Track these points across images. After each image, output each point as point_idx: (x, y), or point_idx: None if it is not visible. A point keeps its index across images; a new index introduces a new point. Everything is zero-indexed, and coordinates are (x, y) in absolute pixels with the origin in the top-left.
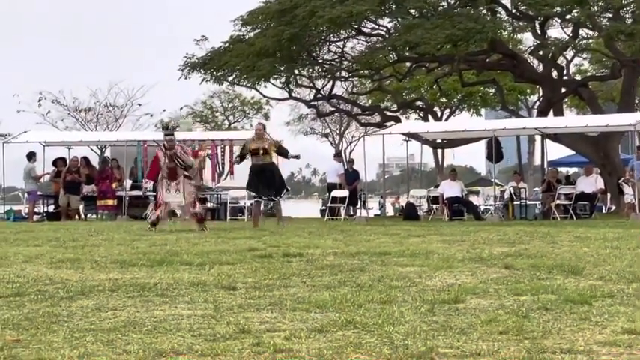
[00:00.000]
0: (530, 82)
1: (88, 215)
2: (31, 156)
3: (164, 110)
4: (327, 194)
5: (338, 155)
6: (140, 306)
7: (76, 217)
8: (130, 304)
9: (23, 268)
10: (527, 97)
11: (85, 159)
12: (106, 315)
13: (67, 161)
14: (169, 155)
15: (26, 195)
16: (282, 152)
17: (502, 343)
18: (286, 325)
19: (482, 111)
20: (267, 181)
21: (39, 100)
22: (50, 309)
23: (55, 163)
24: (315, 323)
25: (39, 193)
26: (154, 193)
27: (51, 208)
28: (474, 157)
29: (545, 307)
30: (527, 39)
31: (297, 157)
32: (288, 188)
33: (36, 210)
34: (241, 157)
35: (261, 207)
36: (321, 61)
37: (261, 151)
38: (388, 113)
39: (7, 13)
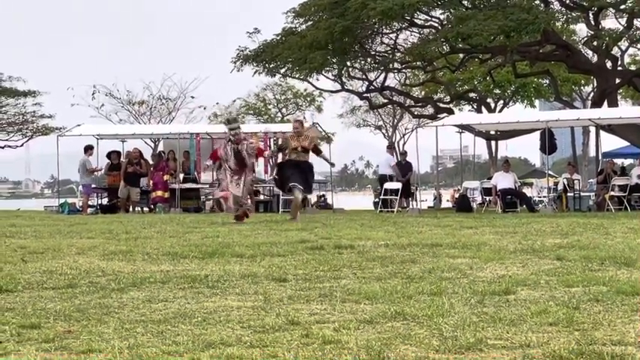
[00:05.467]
0: (584, 73)
1: (142, 208)
2: (87, 148)
3: (217, 103)
4: (380, 186)
5: (391, 147)
6: (190, 298)
7: (136, 209)
8: (181, 295)
9: (76, 260)
10: (582, 88)
11: (139, 152)
12: (156, 306)
13: (121, 154)
14: (235, 149)
15: (80, 188)
16: (317, 151)
17: (552, 334)
18: (335, 317)
19: (536, 102)
20: (302, 175)
21: (93, 94)
22: (101, 300)
23: (109, 155)
24: (364, 315)
25: (93, 185)
26: (209, 182)
27: (104, 201)
28: (527, 148)
29: (597, 299)
30: (581, 29)
31: (331, 164)
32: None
33: (90, 202)
34: (279, 150)
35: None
36: (373, 53)
37: (300, 149)
38: (441, 105)
39: (61, 9)
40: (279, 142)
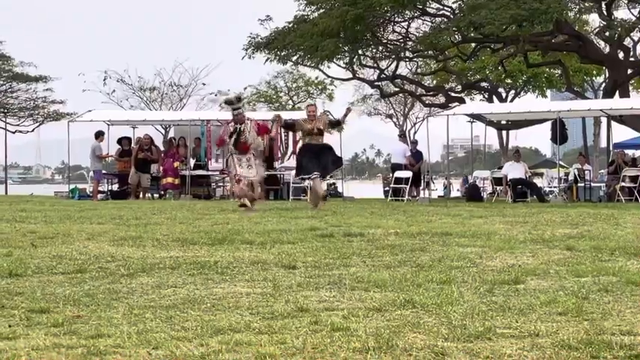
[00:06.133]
0: (596, 64)
1: (153, 194)
2: (98, 134)
3: (228, 90)
4: (391, 175)
5: (402, 136)
6: (200, 284)
7: (147, 195)
8: (190, 281)
9: (85, 246)
10: (593, 78)
11: (150, 138)
12: (165, 292)
13: (132, 140)
14: (241, 130)
15: (91, 173)
16: (335, 124)
17: (561, 324)
18: (344, 304)
19: (548, 92)
20: (323, 160)
21: (104, 80)
22: (111, 286)
23: (119, 141)
24: (373, 302)
25: (103, 171)
26: (219, 169)
27: (115, 187)
28: (538, 138)
29: (606, 289)
30: (594, 20)
31: (348, 110)
32: (341, 165)
33: (100, 188)
34: (287, 127)
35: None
36: (385, 41)
37: (316, 131)
38: (452, 94)
39: None
40: (289, 120)
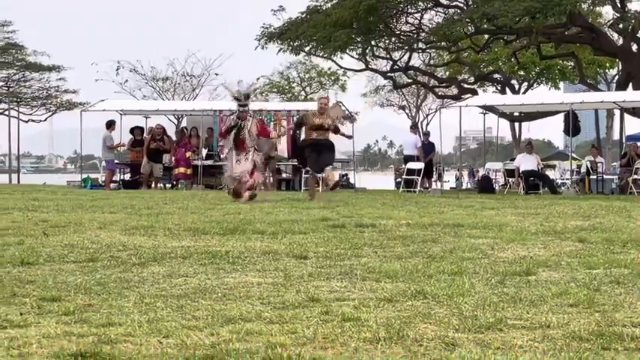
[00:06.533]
0: (609, 56)
1: (165, 184)
2: (110, 124)
3: (241, 80)
4: (403, 166)
5: (414, 127)
6: (211, 273)
7: (159, 185)
8: (201, 271)
9: (97, 235)
10: (607, 70)
11: (163, 128)
12: (176, 281)
13: (144, 130)
14: (241, 125)
15: (103, 163)
16: (336, 131)
17: (572, 315)
18: (355, 295)
19: (561, 84)
20: (324, 158)
21: (117, 69)
22: (122, 275)
23: (132, 131)
24: (384, 293)
25: (116, 161)
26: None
27: (127, 177)
28: (550, 130)
29: (618, 281)
30: (607, 12)
31: (349, 137)
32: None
33: (112, 178)
34: (298, 127)
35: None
36: (398, 32)
37: (326, 126)
38: (465, 86)
39: None
40: (298, 118)
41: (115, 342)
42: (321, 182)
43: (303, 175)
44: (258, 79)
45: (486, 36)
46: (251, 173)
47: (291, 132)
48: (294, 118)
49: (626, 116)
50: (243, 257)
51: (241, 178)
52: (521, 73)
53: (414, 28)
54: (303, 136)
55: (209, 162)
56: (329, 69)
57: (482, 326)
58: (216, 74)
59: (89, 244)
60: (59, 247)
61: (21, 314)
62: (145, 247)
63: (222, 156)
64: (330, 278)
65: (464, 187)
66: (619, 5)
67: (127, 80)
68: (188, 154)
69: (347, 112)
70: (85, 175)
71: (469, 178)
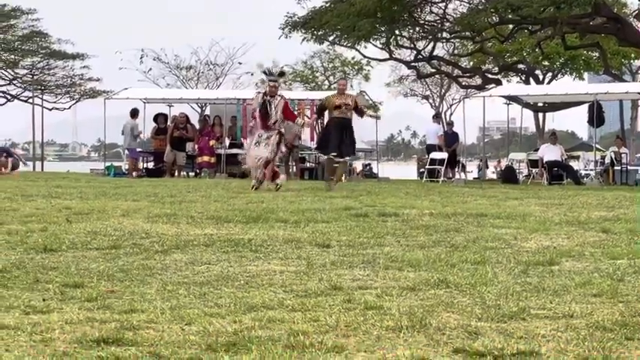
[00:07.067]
0: (634, 47)
1: (188, 172)
2: (134, 112)
3: (264, 71)
4: (426, 156)
5: (437, 116)
6: (233, 261)
7: (182, 173)
8: (224, 259)
9: (120, 222)
10: (631, 61)
11: (186, 116)
12: (199, 269)
13: (168, 118)
14: (268, 102)
15: (126, 151)
16: (361, 112)
17: (595, 305)
18: (378, 283)
19: (585, 75)
20: (344, 139)
21: (141, 58)
22: (144, 262)
23: (155, 119)
24: (407, 282)
25: (139, 149)
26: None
27: (150, 165)
28: (575, 121)
29: None
30: (632, 2)
31: (377, 117)
32: (355, 153)
33: (136, 166)
34: (320, 112)
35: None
36: (422, 22)
37: (344, 107)
38: (489, 76)
39: None
40: (320, 105)
41: (137, 328)
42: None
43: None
44: (282, 67)
45: (511, 26)
46: (265, 165)
47: (315, 120)
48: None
49: None
50: (266, 245)
51: (256, 164)
52: (546, 63)
53: (438, 17)
54: (326, 119)
55: (232, 150)
56: (353, 58)
57: (505, 315)
58: (240, 63)
59: (112, 231)
60: (82, 234)
61: (44, 300)
62: (168, 234)
63: (246, 144)
64: (353, 267)
65: (487, 177)
66: None
67: (150, 69)
68: (212, 142)
69: (370, 102)
70: (108, 163)
71: (483, 168)
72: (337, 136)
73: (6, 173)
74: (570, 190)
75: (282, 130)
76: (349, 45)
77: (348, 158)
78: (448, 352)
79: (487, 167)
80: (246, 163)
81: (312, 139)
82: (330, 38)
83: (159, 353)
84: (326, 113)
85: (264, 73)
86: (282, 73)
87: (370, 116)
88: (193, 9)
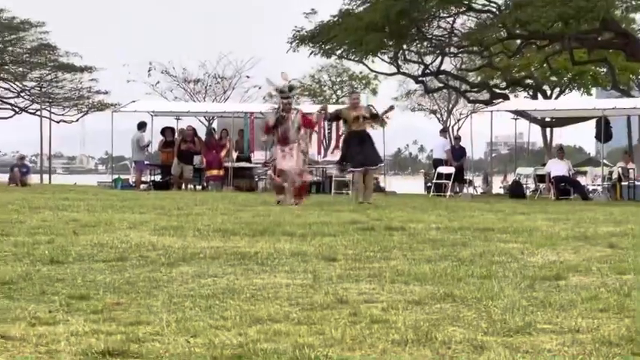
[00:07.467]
0: None
1: (195, 185)
2: (141, 125)
3: (284, 72)
4: (433, 170)
5: (444, 131)
6: (240, 274)
7: (189, 186)
8: (230, 272)
9: (127, 235)
10: None
11: (193, 129)
12: (205, 282)
13: (175, 131)
14: (283, 117)
15: (133, 164)
16: (375, 116)
17: (602, 320)
18: (384, 297)
19: (593, 90)
20: (366, 150)
21: (149, 71)
22: (151, 274)
23: (163, 132)
24: (413, 296)
25: (146, 162)
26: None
27: (157, 178)
28: (582, 136)
29: None
30: None
31: (390, 108)
32: (382, 160)
33: (143, 179)
34: (333, 119)
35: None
36: (430, 36)
37: (361, 119)
38: (497, 90)
39: None
40: (332, 112)
41: (142, 341)
42: (351, 185)
43: (334, 179)
44: (289, 81)
45: (518, 41)
46: (300, 174)
47: (323, 124)
48: (325, 122)
49: None
50: (272, 258)
51: (290, 176)
52: (554, 78)
53: (446, 32)
54: (334, 141)
55: (240, 164)
56: (360, 73)
57: (511, 330)
58: (248, 76)
59: (118, 243)
60: (89, 246)
61: (50, 312)
62: (174, 247)
63: (253, 157)
64: (359, 280)
65: (493, 192)
66: None
67: (158, 82)
68: (223, 152)
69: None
70: (115, 176)
71: (483, 184)
72: (360, 150)
73: (26, 186)
74: (577, 205)
75: (302, 143)
76: (357, 59)
77: (378, 166)
78: None
79: (487, 183)
80: (277, 179)
81: (319, 153)
82: (338, 52)
83: None
84: (340, 129)
85: (277, 91)
86: (291, 88)
87: (386, 114)
88: (202, 22)
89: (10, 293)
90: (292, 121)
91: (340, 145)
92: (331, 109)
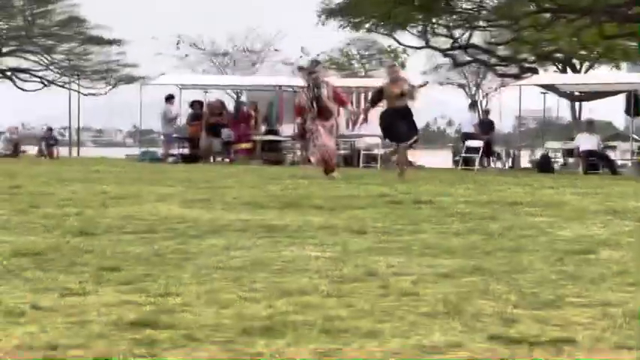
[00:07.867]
0: None
1: (224, 158)
2: (169, 98)
3: (301, 57)
4: (461, 144)
5: (473, 105)
6: (269, 246)
7: (217, 159)
8: (259, 244)
9: (155, 207)
10: None
11: (221, 103)
12: (234, 254)
13: (204, 104)
14: (315, 94)
15: (162, 137)
16: (412, 95)
17: (632, 294)
18: (413, 270)
19: (623, 65)
20: (407, 125)
21: (177, 44)
22: (180, 246)
23: (192, 105)
24: (442, 269)
25: (174, 135)
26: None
27: (186, 151)
28: (611, 111)
29: None
30: None
31: (426, 82)
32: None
33: (171, 152)
34: (375, 102)
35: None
36: (459, 10)
37: (402, 94)
38: (526, 64)
39: None
40: (372, 94)
41: (172, 312)
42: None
43: (362, 152)
44: (318, 55)
45: (548, 15)
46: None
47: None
48: (354, 95)
49: None
50: (301, 231)
51: (327, 152)
52: (583, 52)
53: (475, 5)
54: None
55: (268, 137)
56: (389, 46)
57: (542, 303)
58: (276, 50)
59: (147, 215)
60: (118, 218)
61: (80, 283)
62: (203, 219)
63: (281, 131)
64: (389, 253)
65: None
66: None
67: (187, 55)
68: (252, 122)
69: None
70: (144, 149)
71: (506, 157)
72: (402, 124)
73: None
74: (606, 179)
75: (337, 118)
76: (385, 32)
77: (412, 140)
78: (484, 339)
79: (511, 156)
80: (315, 156)
81: (347, 126)
82: (367, 26)
83: (194, 336)
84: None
85: (302, 69)
86: (317, 63)
87: (420, 87)
88: None
89: (40, 264)
90: (326, 95)
91: (377, 121)
92: (359, 83)
